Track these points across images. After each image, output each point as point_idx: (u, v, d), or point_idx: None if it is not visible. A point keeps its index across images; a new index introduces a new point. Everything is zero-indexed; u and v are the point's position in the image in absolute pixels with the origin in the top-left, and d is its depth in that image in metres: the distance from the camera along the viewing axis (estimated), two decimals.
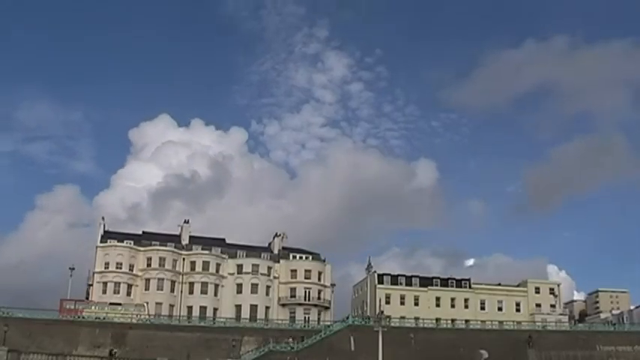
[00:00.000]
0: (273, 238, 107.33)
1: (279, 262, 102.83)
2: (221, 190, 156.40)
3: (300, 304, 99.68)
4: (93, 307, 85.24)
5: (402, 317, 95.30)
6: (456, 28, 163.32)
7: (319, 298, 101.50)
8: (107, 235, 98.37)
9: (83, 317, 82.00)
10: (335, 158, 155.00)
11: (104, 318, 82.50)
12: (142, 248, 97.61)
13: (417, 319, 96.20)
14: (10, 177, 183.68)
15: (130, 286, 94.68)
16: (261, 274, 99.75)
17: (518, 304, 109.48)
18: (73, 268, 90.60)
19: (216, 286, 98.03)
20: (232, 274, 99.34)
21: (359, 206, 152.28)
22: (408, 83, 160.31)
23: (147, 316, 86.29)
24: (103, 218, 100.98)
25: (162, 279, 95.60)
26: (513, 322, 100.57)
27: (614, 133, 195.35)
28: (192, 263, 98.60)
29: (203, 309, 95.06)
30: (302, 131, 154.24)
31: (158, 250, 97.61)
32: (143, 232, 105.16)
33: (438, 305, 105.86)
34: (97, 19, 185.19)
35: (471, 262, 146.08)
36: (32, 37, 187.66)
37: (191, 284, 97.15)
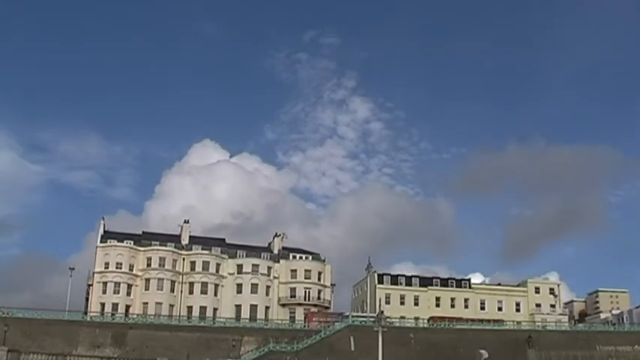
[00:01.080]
0: (273, 238, 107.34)
1: (279, 262, 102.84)
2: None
3: (300, 304, 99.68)
4: None
5: (402, 317, 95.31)
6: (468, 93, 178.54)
7: (319, 298, 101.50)
8: (107, 235, 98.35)
9: None
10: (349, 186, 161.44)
11: None
12: (141, 248, 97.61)
13: (417, 319, 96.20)
14: (71, 203, 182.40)
15: (129, 286, 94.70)
16: (261, 274, 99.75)
17: (518, 304, 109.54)
18: (73, 268, 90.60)
19: (216, 286, 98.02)
20: (232, 274, 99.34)
21: (376, 234, 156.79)
22: (424, 125, 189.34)
23: None
24: (103, 218, 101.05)
25: (162, 279, 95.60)
26: (513, 322, 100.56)
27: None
28: (192, 263, 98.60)
29: (203, 309, 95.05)
30: (324, 161, 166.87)
31: (158, 250, 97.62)
32: (143, 232, 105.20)
33: (437, 305, 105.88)
34: (147, 62, 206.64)
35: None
36: (78, 77, 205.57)
37: (191, 284, 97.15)
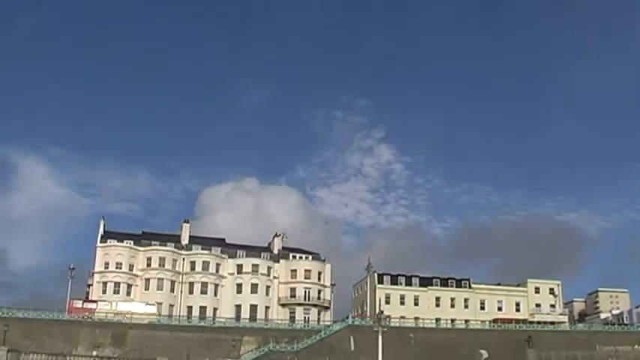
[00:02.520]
0: (273, 238, 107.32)
1: (278, 262, 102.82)
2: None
3: (300, 304, 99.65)
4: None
5: (402, 317, 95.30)
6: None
7: (319, 298, 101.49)
8: (107, 235, 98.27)
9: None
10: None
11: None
12: (141, 248, 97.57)
13: (416, 319, 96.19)
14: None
15: (129, 286, 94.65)
16: (261, 274, 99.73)
17: (517, 304, 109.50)
18: (73, 268, 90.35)
19: (216, 286, 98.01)
20: (232, 273, 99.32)
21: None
22: (439, 167, 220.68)
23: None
24: (103, 217, 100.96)
25: (162, 279, 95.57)
26: (513, 321, 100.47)
27: None
28: (192, 263, 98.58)
29: (203, 309, 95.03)
30: (347, 195, 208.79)
31: (158, 249, 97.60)
32: (143, 232, 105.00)
33: (437, 305, 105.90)
34: (201, 113, 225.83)
35: None
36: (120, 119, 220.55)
37: (191, 284, 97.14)
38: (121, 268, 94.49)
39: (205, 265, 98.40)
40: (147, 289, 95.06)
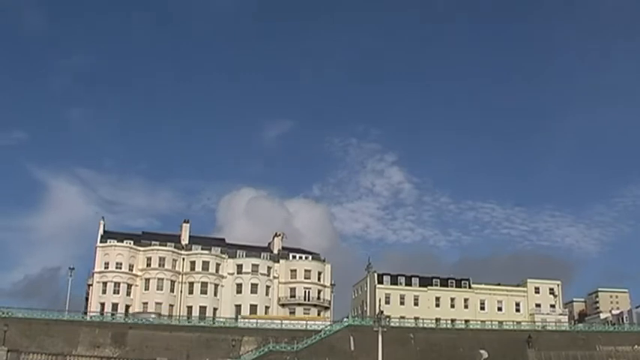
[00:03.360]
0: (273, 237, 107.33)
1: (278, 262, 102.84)
2: None
3: (299, 304, 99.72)
4: None
5: (402, 317, 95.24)
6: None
7: (319, 298, 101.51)
8: (107, 235, 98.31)
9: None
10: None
11: None
12: (141, 248, 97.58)
13: (416, 319, 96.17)
14: None
15: (129, 286, 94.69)
16: (261, 273, 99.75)
17: (517, 304, 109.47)
18: (73, 268, 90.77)
19: (216, 285, 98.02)
20: (232, 273, 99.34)
21: None
22: (446, 186, 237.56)
23: None
24: (102, 218, 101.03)
25: (162, 279, 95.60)
26: (513, 322, 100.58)
27: None
28: (192, 263, 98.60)
29: (203, 309, 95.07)
30: (358, 212, 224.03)
31: (158, 249, 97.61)
32: (143, 232, 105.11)
33: (437, 305, 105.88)
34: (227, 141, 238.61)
35: None
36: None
37: (191, 284, 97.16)
38: (120, 268, 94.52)
39: (205, 265, 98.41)
40: (147, 289, 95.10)
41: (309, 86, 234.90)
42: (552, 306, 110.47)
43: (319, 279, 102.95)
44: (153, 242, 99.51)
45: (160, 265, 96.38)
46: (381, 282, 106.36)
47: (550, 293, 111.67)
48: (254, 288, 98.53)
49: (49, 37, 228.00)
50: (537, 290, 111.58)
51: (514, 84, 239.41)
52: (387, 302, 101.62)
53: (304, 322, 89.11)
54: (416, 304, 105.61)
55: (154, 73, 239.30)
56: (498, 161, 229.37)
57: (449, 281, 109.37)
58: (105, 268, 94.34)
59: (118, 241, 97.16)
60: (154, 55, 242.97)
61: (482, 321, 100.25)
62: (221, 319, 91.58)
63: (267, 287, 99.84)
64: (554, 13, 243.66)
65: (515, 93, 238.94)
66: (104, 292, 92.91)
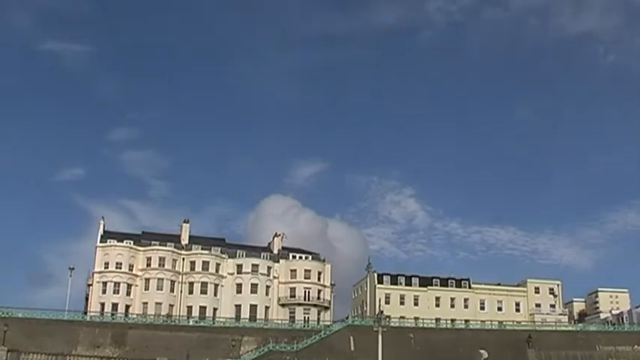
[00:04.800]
0: (273, 237, 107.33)
1: (278, 261, 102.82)
2: None
3: (299, 304, 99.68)
4: None
5: (402, 317, 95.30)
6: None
7: (319, 298, 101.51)
8: (107, 235, 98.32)
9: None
10: None
11: None
12: (141, 248, 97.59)
13: (416, 319, 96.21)
14: None
15: (129, 286, 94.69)
16: (261, 273, 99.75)
17: (517, 304, 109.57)
18: (73, 268, 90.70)
19: (216, 285, 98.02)
20: (232, 273, 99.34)
21: None
22: (457, 215, 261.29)
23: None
24: (102, 218, 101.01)
25: (162, 279, 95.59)
26: (513, 322, 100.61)
27: None
28: (192, 263, 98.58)
29: (203, 309, 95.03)
30: (374, 236, 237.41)
31: (158, 249, 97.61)
32: (143, 232, 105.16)
33: (437, 305, 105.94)
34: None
35: None
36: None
37: (191, 284, 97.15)
38: (120, 268, 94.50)
39: (205, 265, 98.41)
40: (147, 289, 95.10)
41: (339, 132, 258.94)
42: (552, 306, 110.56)
43: (319, 279, 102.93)
44: (153, 242, 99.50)
45: (159, 265, 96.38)
46: (381, 282, 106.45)
47: (550, 293, 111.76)
48: (254, 288, 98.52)
49: (118, 96, 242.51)
50: (537, 290, 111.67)
51: (517, 131, 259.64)
52: (387, 302, 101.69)
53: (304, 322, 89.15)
54: (416, 304, 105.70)
55: (198, 123, 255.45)
56: (503, 192, 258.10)
57: (449, 281, 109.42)
58: (105, 268, 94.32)
59: (118, 241, 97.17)
60: (202, 104, 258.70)
61: (482, 321, 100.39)
62: (221, 319, 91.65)
63: (267, 287, 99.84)
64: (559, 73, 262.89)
65: (517, 138, 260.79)
66: (104, 292, 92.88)
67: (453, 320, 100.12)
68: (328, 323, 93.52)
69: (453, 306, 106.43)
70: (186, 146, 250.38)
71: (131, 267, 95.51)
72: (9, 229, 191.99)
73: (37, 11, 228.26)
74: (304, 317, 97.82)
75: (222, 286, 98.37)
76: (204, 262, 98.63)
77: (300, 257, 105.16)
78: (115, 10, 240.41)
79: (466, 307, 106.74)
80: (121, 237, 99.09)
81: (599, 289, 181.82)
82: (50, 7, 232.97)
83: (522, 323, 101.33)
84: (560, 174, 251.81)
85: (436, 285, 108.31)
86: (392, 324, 73.65)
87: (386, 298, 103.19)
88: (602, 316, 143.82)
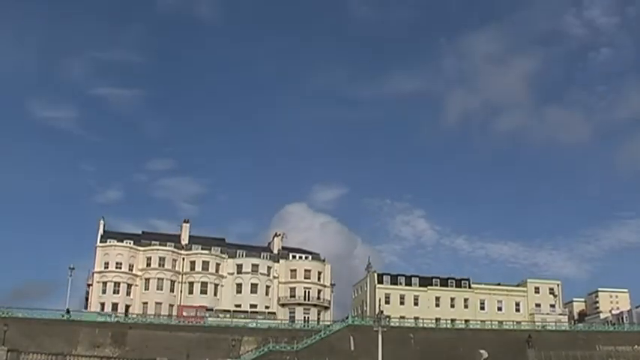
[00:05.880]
0: (273, 237, 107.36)
1: (278, 261, 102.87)
2: None
3: (299, 304, 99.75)
4: None
5: (402, 317, 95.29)
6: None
7: (319, 297, 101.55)
8: (107, 235, 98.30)
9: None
10: None
11: None
12: (141, 248, 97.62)
13: (416, 318, 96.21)
14: None
15: (129, 285, 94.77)
16: (261, 273, 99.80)
17: (517, 304, 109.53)
18: (73, 268, 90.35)
19: (216, 285, 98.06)
20: (232, 273, 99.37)
21: None
22: (463, 232, 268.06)
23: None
24: (102, 218, 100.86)
25: (162, 279, 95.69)
26: (513, 322, 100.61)
27: None
28: (192, 263, 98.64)
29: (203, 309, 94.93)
30: (384, 252, 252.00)
31: (158, 249, 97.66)
32: (143, 232, 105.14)
33: (437, 305, 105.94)
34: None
35: None
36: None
37: (191, 284, 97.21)
38: (120, 268, 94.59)
39: (205, 265, 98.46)
40: (147, 289, 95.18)
41: (358, 162, 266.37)
42: (552, 306, 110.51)
43: (319, 279, 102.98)
44: (153, 242, 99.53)
45: (159, 265, 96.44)
46: (381, 282, 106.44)
47: (550, 293, 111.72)
48: (254, 288, 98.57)
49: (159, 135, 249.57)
50: (537, 290, 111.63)
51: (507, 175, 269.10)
52: (387, 302, 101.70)
53: (304, 322, 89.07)
54: (416, 303, 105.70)
55: (230, 158, 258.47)
56: (506, 211, 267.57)
57: (449, 281, 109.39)
58: (105, 267, 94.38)
59: (117, 241, 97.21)
60: (235, 137, 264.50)
61: (482, 321, 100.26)
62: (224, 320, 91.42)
63: (267, 287, 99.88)
64: None
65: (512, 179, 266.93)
66: (104, 292, 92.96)
67: (452, 320, 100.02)
68: (328, 323, 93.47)
69: (452, 306, 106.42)
70: (218, 174, 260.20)
71: (131, 267, 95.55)
72: (39, 243, 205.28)
73: (91, 61, 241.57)
74: (304, 317, 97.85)
75: (222, 286, 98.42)
76: (204, 262, 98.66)
77: (300, 257, 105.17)
78: (160, 60, 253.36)
79: (466, 307, 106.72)
80: (120, 237, 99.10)
81: (599, 289, 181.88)
82: (104, 59, 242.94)
83: (522, 323, 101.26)
84: (557, 197, 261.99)
85: (436, 285, 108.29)
86: (392, 324, 73.56)
87: (386, 298, 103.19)
88: (602, 316, 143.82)
